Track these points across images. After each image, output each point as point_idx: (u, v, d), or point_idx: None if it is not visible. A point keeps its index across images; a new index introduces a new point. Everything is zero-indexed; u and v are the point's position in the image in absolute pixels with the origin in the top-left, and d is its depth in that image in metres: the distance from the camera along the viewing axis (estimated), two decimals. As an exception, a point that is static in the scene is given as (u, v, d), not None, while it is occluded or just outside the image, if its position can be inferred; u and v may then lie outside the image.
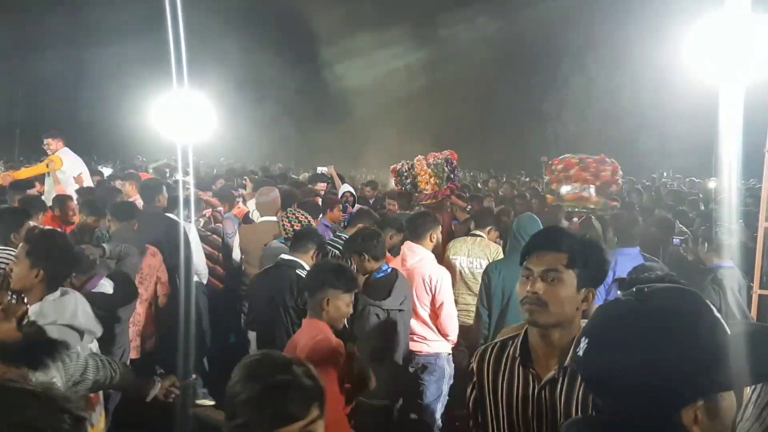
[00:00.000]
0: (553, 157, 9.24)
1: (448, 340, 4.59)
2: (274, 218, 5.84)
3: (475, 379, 2.23)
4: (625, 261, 4.67)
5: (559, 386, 2.01)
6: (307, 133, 26.76)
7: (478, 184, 14.51)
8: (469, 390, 2.28)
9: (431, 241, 4.74)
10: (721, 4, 4.22)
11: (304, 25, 26.11)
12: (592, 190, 7.45)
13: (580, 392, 1.98)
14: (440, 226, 4.93)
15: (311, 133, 26.61)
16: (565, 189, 7.64)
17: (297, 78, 27.54)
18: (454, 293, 5.23)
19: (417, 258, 4.62)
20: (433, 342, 4.55)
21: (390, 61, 26.50)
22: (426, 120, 25.37)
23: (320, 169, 9.74)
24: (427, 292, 4.51)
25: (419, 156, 7.33)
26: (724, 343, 1.18)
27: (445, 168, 7.13)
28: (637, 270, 4.03)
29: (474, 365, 2.25)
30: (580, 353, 1.24)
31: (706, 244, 4.59)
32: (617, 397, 1.19)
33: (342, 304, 3.24)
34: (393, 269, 4.36)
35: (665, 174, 16.65)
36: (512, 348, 2.15)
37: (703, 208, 8.33)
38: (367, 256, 4.27)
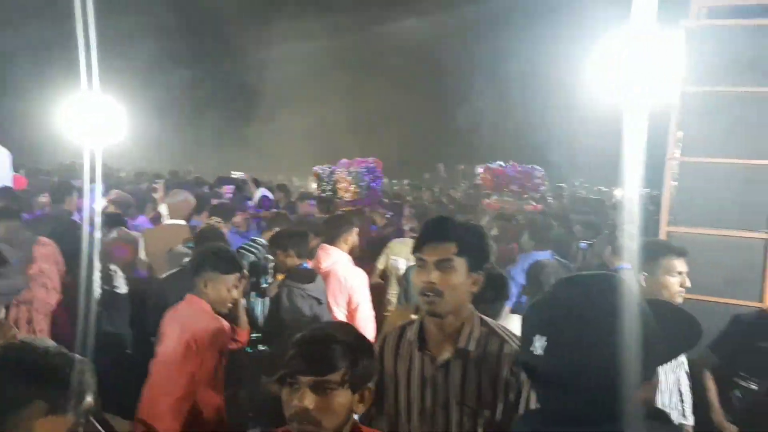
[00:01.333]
0: (469, 167, 9.53)
1: None
2: (182, 222, 5.69)
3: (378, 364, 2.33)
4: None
5: (452, 368, 2.14)
6: (220, 136, 26.22)
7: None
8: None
9: (345, 243, 4.78)
10: (625, 20, 4.47)
11: (218, 28, 25.66)
12: (517, 196, 7.71)
13: (474, 373, 2.11)
14: (355, 229, 4.96)
15: (224, 137, 26.11)
16: (493, 195, 7.90)
17: (209, 81, 26.98)
18: (390, 293, 5.30)
19: (332, 260, 4.63)
20: None
21: (306, 71, 26.41)
22: (341, 129, 25.49)
23: (235, 174, 9.56)
24: (341, 292, 4.50)
25: (343, 160, 7.36)
26: (655, 321, 1.23)
27: (365, 177, 7.18)
28: (534, 266, 4.25)
29: (377, 351, 2.32)
30: (539, 351, 1.22)
31: (609, 248, 4.84)
32: (577, 390, 1.19)
33: (222, 287, 3.20)
34: (312, 267, 4.39)
35: (575, 183, 17.38)
36: (410, 333, 2.26)
37: (609, 215, 8.74)
38: (292, 252, 4.27)
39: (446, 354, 2.15)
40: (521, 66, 30.87)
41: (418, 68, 31.33)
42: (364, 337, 1.85)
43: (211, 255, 3.23)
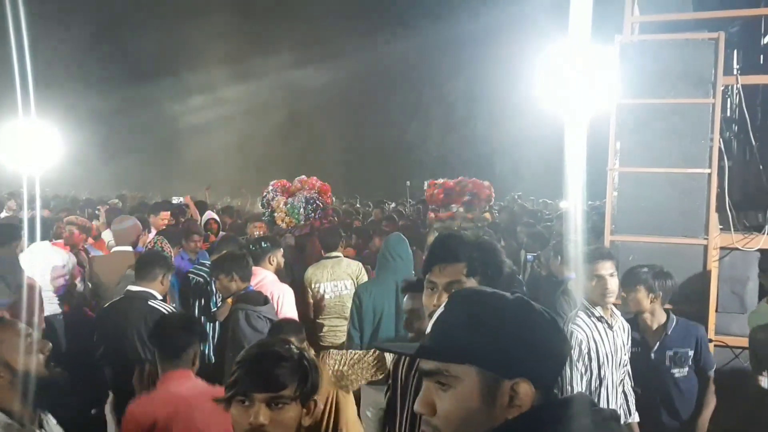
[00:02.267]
0: (418, 182, 9.62)
1: None
2: (129, 248, 5.55)
3: (390, 380, 2.32)
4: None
5: None
6: (160, 161, 25.77)
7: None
8: (385, 391, 2.39)
9: (270, 263, 4.85)
10: (563, 37, 4.61)
11: (159, 56, 25.34)
12: (464, 208, 7.78)
13: None
14: (280, 249, 5.04)
15: (164, 161, 25.69)
16: (442, 209, 7.96)
17: (151, 107, 26.55)
18: (320, 318, 5.24)
19: (258, 279, 4.63)
20: None
21: (252, 92, 26.25)
22: (291, 148, 25.40)
23: (176, 200, 9.34)
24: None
25: (302, 177, 7.28)
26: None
27: (302, 210, 7.14)
28: None
29: (390, 368, 2.34)
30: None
31: (559, 258, 4.93)
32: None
33: None
34: (258, 291, 4.36)
35: (516, 196, 17.72)
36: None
37: (554, 226, 8.91)
38: (235, 276, 4.19)
39: None
40: (466, 83, 31.47)
41: (364, 87, 31.50)
42: (306, 352, 1.92)
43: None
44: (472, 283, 1.99)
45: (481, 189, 8.02)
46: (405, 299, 2.83)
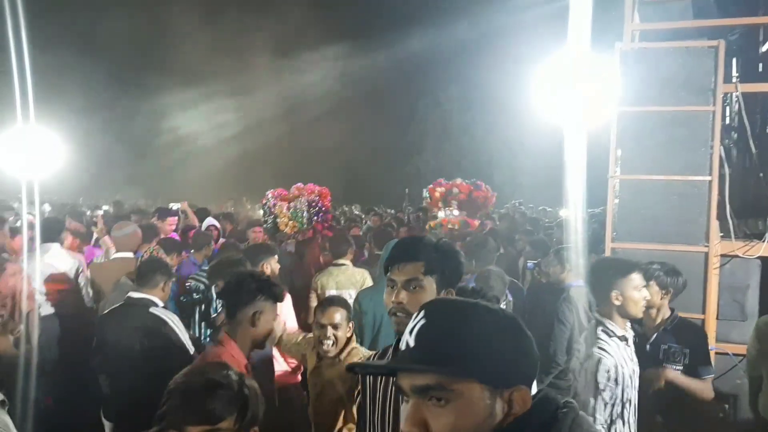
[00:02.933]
0: (416, 189, 9.59)
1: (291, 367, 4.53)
2: (130, 255, 5.54)
3: (360, 385, 2.31)
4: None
5: None
6: (160, 167, 25.76)
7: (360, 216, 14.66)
8: (355, 394, 2.37)
9: (264, 270, 4.84)
10: (563, 44, 4.62)
11: (162, 66, 25.40)
12: (465, 213, 7.76)
13: None
14: (275, 257, 5.03)
15: (166, 167, 25.67)
16: (441, 214, 7.94)
17: (152, 116, 26.58)
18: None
19: None
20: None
21: (251, 103, 26.28)
22: (289, 157, 25.42)
23: (173, 205, 9.31)
24: None
25: (298, 184, 7.28)
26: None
27: (305, 212, 7.12)
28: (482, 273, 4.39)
29: (360, 375, 2.31)
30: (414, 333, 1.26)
31: (560, 266, 4.92)
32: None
33: (270, 318, 2.97)
34: None
35: (516, 203, 17.75)
36: (389, 355, 2.25)
37: (555, 233, 8.92)
38: None
39: None
40: (463, 91, 31.57)
41: (361, 95, 31.59)
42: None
43: (261, 282, 2.97)
44: (429, 281, 2.09)
45: (480, 192, 7.98)
46: None
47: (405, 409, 1.24)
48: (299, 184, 7.33)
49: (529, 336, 1.29)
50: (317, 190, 7.36)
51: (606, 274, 3.15)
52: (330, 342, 3.31)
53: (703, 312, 4.24)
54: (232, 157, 25.02)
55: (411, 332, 1.26)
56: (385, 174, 31.22)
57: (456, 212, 7.73)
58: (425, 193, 8.37)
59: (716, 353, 4.24)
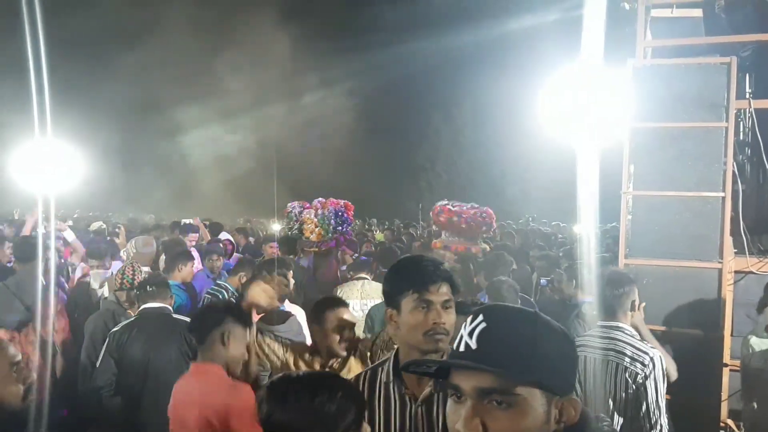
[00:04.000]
0: (428, 204, 9.56)
1: None
2: (147, 269, 5.66)
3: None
4: (496, 298, 4.93)
5: (435, 403, 2.13)
6: (170, 181, 25.92)
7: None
8: None
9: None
10: (575, 59, 4.64)
11: (176, 81, 25.67)
12: (467, 235, 7.73)
13: None
14: (290, 271, 5.07)
15: (175, 182, 25.83)
16: (444, 234, 7.92)
17: (166, 132, 26.83)
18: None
19: None
20: None
21: (264, 119, 26.47)
22: (302, 172, 25.52)
23: (185, 221, 9.41)
24: None
25: (320, 199, 7.31)
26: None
27: (332, 221, 7.15)
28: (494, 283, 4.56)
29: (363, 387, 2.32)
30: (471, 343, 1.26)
31: (573, 282, 4.91)
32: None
33: (241, 342, 2.98)
34: (288, 311, 4.40)
35: (530, 219, 17.72)
36: (383, 373, 2.26)
37: (568, 249, 8.89)
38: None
39: (427, 389, 2.15)
40: (475, 106, 31.63)
41: (373, 111, 31.72)
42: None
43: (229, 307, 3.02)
44: (453, 301, 2.19)
45: (476, 216, 7.93)
46: None
47: (456, 409, 1.24)
48: (320, 198, 7.35)
49: (576, 347, 1.32)
50: (342, 202, 7.41)
51: (624, 283, 3.34)
52: (345, 344, 3.28)
53: (717, 329, 4.21)
54: (245, 173, 25.15)
55: (471, 335, 1.25)
56: (397, 188, 31.27)
57: (457, 238, 7.74)
58: (433, 211, 8.31)
59: (730, 371, 4.20)
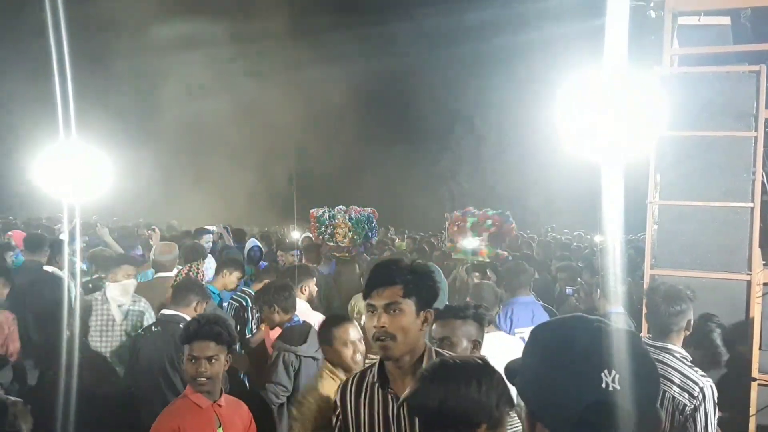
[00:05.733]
0: (451, 213, 9.50)
1: None
2: (171, 274, 5.68)
3: (339, 410, 2.35)
4: (520, 309, 4.88)
5: None
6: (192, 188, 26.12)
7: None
8: (334, 421, 2.38)
9: (303, 292, 4.94)
10: (599, 67, 4.59)
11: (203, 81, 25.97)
12: (486, 242, 7.69)
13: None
14: (313, 279, 5.11)
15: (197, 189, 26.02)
16: (463, 242, 7.88)
17: (190, 133, 27.08)
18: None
19: None
20: None
21: (287, 126, 26.62)
22: (325, 177, 25.63)
23: (210, 228, 9.47)
24: None
25: (341, 207, 7.33)
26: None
27: (365, 226, 7.17)
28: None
29: (337, 398, 2.36)
30: (617, 387, 1.19)
31: (599, 291, 4.85)
32: None
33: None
34: (304, 321, 4.36)
35: (550, 228, 17.58)
36: (371, 375, 2.32)
37: (591, 260, 8.80)
38: (277, 308, 4.31)
39: (408, 390, 2.17)
40: (497, 114, 31.52)
41: (394, 119, 31.80)
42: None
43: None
44: (408, 304, 2.17)
45: (496, 224, 7.87)
46: (435, 327, 2.90)
47: None
48: (341, 206, 7.36)
49: None
50: (368, 209, 7.42)
51: (681, 301, 3.19)
52: (359, 357, 3.31)
53: (746, 342, 4.12)
54: (268, 179, 25.30)
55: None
56: (418, 197, 31.22)
57: (484, 245, 7.69)
58: (449, 218, 8.23)
59: (759, 385, 4.11)
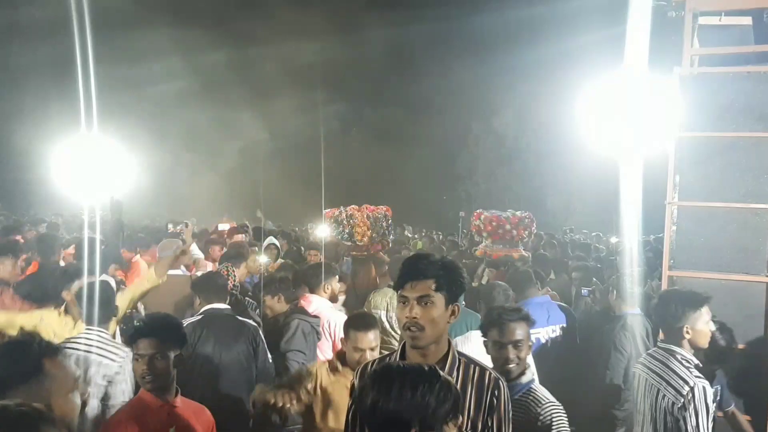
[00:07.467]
0: (469, 213, 9.53)
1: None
2: (180, 272, 5.83)
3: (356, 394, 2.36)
4: (534, 309, 4.86)
5: None
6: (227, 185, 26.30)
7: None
8: (349, 404, 2.42)
9: (325, 291, 4.94)
10: (618, 67, 4.58)
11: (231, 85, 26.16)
12: (510, 241, 7.71)
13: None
14: (335, 277, 5.11)
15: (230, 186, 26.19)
16: (486, 241, 7.91)
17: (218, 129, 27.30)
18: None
19: (314, 306, 4.78)
20: None
21: (303, 125, 26.74)
22: (344, 177, 25.70)
23: (221, 226, 9.56)
24: (327, 339, 4.66)
25: (353, 206, 7.35)
26: None
27: (383, 223, 7.20)
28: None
29: (356, 382, 2.41)
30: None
31: (615, 293, 4.83)
32: None
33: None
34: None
35: (568, 230, 17.48)
36: (391, 360, 2.36)
37: (607, 261, 8.75)
38: (281, 297, 4.71)
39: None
40: (515, 115, 31.41)
41: (413, 118, 31.81)
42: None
43: None
44: (439, 297, 2.28)
45: (517, 224, 7.86)
46: (506, 331, 3.08)
47: None
48: (353, 206, 7.37)
49: None
50: (383, 207, 7.43)
51: (677, 307, 3.23)
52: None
53: (764, 345, 4.09)
54: (284, 179, 25.43)
55: None
56: (435, 197, 31.19)
57: (501, 246, 7.73)
58: (476, 222, 8.23)
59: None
